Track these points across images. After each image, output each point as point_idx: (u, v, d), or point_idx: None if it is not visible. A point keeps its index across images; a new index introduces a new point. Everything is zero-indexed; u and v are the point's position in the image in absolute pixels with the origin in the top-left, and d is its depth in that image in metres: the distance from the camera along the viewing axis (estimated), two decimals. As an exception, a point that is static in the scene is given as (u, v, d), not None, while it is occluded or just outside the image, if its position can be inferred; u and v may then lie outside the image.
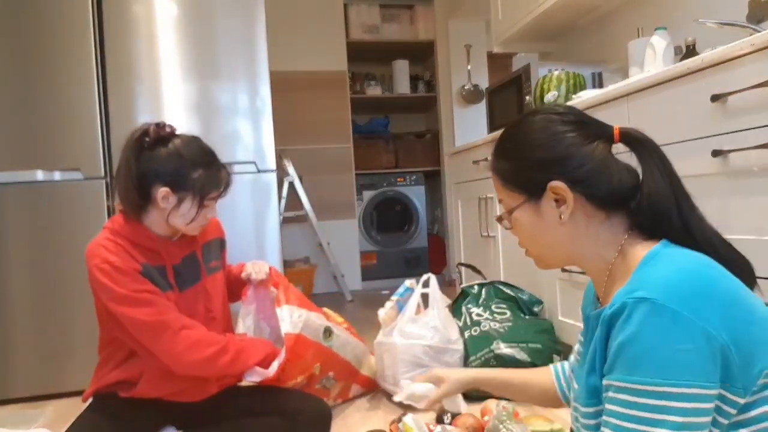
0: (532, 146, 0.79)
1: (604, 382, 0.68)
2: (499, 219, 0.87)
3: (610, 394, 0.66)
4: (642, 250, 0.73)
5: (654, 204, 0.73)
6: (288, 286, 1.62)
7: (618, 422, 0.64)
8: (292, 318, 1.55)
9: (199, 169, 1.27)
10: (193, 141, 1.31)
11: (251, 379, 1.37)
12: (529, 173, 0.79)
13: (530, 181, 0.79)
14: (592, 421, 0.75)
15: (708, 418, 0.61)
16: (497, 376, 1.11)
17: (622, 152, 0.79)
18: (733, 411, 0.63)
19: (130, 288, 1.22)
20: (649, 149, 0.76)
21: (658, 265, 0.69)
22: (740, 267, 0.72)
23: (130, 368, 1.33)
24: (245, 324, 1.52)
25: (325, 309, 1.81)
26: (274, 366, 1.41)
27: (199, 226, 1.33)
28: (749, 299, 0.67)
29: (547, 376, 1.07)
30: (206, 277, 1.42)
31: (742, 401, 0.63)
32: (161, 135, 1.27)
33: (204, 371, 1.31)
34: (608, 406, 0.66)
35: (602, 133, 0.78)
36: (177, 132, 1.31)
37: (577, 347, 1.02)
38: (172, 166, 1.25)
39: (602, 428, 0.67)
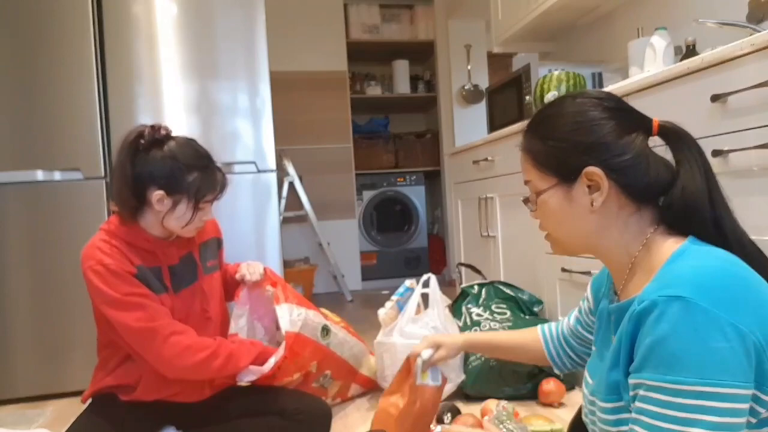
0: (571, 129, 0.76)
1: (632, 380, 0.67)
2: (526, 200, 0.85)
3: (641, 392, 0.65)
4: (669, 246, 0.72)
5: (689, 200, 0.72)
6: (285, 286, 1.62)
7: (652, 421, 0.63)
8: (292, 316, 1.54)
9: (194, 172, 1.27)
10: (189, 143, 1.31)
11: (247, 378, 1.37)
12: (565, 156, 0.77)
13: (565, 164, 0.77)
14: (611, 417, 0.74)
15: (743, 419, 0.60)
16: (486, 339, 1.18)
17: (658, 146, 0.78)
18: (763, 411, 0.62)
19: (123, 291, 1.22)
20: (688, 144, 0.75)
21: (688, 262, 0.68)
22: (766, 269, 0.71)
23: (129, 372, 1.33)
24: (238, 325, 1.51)
25: (323, 309, 1.81)
26: (271, 363, 1.41)
27: (194, 228, 1.33)
28: None
29: (534, 339, 1.10)
30: (203, 277, 1.42)
31: None
32: (156, 137, 1.27)
33: (196, 375, 1.31)
34: (640, 405, 0.65)
35: (641, 123, 0.76)
36: (173, 134, 1.31)
37: (575, 312, 1.04)
38: (167, 169, 1.24)
39: (632, 426, 0.66)
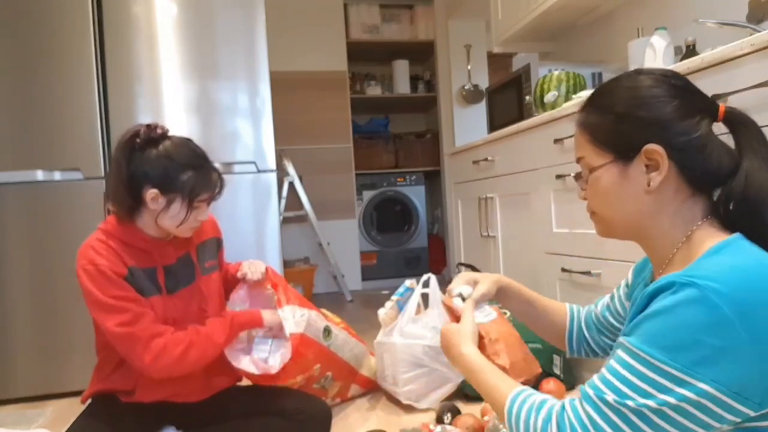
0: (635, 103, 0.73)
1: (619, 339, 0.67)
2: (577, 177, 0.82)
3: (619, 351, 0.65)
4: (711, 240, 0.69)
5: (750, 193, 0.69)
6: (287, 287, 1.62)
7: (614, 381, 0.64)
8: (295, 317, 1.54)
9: (188, 171, 1.26)
10: (184, 143, 1.30)
11: (245, 366, 1.39)
12: (626, 131, 0.73)
13: (625, 139, 0.73)
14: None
15: (702, 415, 0.60)
16: (518, 286, 1.05)
17: (722, 134, 0.75)
18: (738, 420, 0.61)
19: (109, 294, 1.22)
20: (754, 133, 0.72)
21: (724, 257, 0.66)
22: None
23: (125, 377, 1.33)
24: None
25: (323, 310, 1.81)
26: (276, 364, 1.42)
27: (189, 228, 1.32)
28: None
29: (561, 311, 1.04)
30: (201, 278, 1.42)
31: (752, 414, 0.60)
32: (152, 136, 1.26)
33: (180, 370, 1.29)
34: (612, 362, 0.65)
35: (707, 107, 0.73)
36: (169, 133, 1.30)
37: (606, 299, 1.00)
38: (161, 168, 1.24)
39: (594, 377, 0.67)
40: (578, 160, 0.81)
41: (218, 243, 1.54)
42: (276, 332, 1.53)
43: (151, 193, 1.24)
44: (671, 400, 0.60)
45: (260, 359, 1.48)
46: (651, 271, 0.84)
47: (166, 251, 1.34)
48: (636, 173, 0.73)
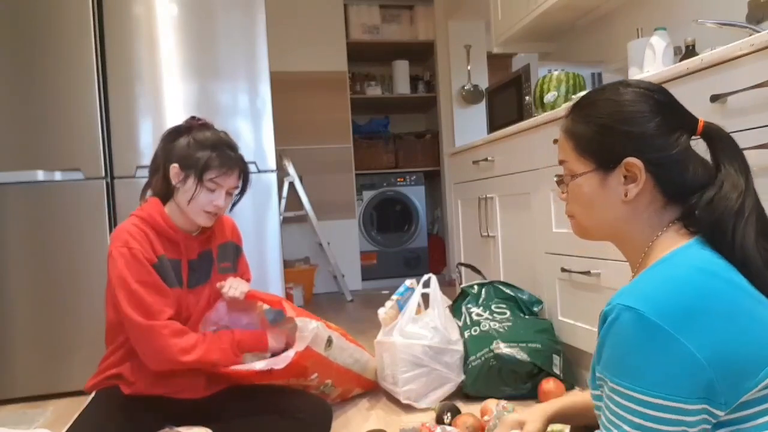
0: (619, 118, 0.77)
1: (599, 374, 0.71)
2: (560, 181, 0.87)
3: (606, 391, 0.69)
4: (667, 248, 0.73)
5: (717, 205, 0.72)
6: (292, 304, 1.59)
7: (613, 418, 0.67)
8: (309, 328, 1.51)
9: (206, 151, 1.35)
10: (214, 130, 1.42)
11: (260, 366, 1.41)
12: (608, 143, 0.77)
13: (607, 151, 0.77)
14: (597, 402, 0.76)
15: (695, 430, 0.62)
16: (571, 401, 1.01)
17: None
18: (714, 420, 0.63)
19: (139, 279, 1.28)
20: (731, 148, 0.75)
21: (665, 269, 0.70)
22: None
23: (132, 363, 1.35)
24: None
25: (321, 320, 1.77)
26: (262, 366, 1.42)
27: (202, 211, 1.36)
28: (754, 312, 0.65)
29: None
30: (216, 276, 1.48)
31: (721, 414, 0.63)
32: (191, 125, 1.40)
33: (178, 368, 1.33)
34: (606, 401, 0.68)
35: (687, 122, 0.77)
36: (211, 125, 1.44)
37: None
38: (185, 147, 1.37)
39: (600, 414, 0.70)
40: (561, 163, 0.85)
41: (237, 249, 1.59)
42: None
43: (173, 167, 1.35)
44: (664, 428, 0.62)
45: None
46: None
47: (191, 244, 1.41)
48: (614, 183, 0.77)
